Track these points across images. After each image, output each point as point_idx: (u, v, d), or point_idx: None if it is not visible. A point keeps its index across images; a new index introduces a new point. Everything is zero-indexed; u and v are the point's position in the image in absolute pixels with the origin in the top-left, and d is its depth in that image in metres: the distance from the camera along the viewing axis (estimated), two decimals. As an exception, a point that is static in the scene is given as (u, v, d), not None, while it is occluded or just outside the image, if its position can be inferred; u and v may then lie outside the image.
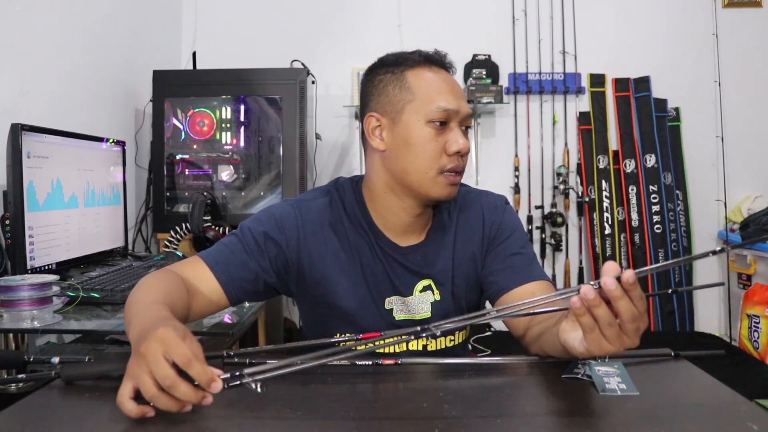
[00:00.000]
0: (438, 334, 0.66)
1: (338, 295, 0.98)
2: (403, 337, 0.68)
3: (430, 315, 1.00)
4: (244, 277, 0.95)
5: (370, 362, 0.79)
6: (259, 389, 0.61)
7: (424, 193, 0.95)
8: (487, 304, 1.07)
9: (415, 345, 1.00)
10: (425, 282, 1.01)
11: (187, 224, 2.00)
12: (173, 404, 0.61)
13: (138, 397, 0.61)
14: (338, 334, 0.99)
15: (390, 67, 0.97)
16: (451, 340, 1.03)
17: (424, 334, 0.66)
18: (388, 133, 0.96)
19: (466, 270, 1.02)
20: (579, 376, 0.73)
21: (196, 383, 0.61)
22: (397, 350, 0.99)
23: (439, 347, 1.02)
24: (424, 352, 1.01)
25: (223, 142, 2.42)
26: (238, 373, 0.62)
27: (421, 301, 1.00)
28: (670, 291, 0.74)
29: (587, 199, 3.06)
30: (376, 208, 1.00)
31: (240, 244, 0.97)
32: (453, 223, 1.03)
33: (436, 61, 0.98)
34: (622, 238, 3.04)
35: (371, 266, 0.99)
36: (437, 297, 1.01)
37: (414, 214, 0.99)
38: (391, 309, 1.00)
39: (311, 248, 0.98)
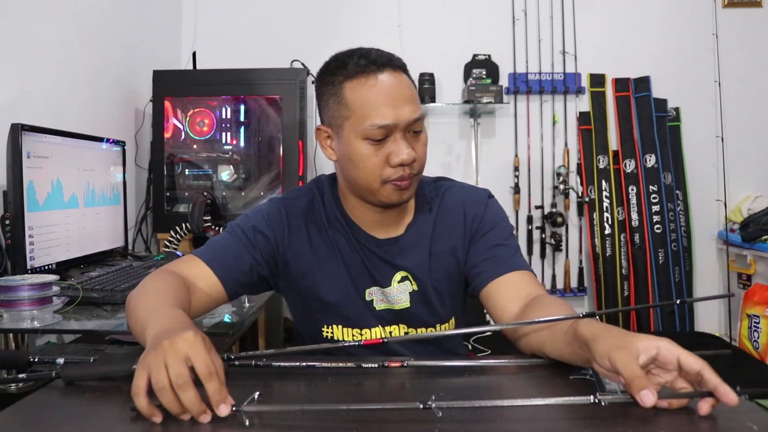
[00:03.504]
0: (440, 415, 0.62)
1: (321, 287, 1.02)
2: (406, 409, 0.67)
3: (409, 305, 1.02)
4: (239, 269, 0.98)
5: (377, 365, 0.79)
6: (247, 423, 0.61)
7: (374, 200, 0.97)
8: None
9: (396, 333, 1.03)
10: (402, 273, 1.02)
11: (187, 224, 2.00)
12: (176, 405, 0.61)
13: (150, 394, 0.61)
14: (326, 326, 1.03)
15: (330, 78, 0.95)
16: (431, 330, 1.05)
17: (431, 403, 0.61)
18: (336, 144, 0.97)
19: (447, 264, 1.03)
20: (587, 377, 0.74)
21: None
22: (383, 336, 1.01)
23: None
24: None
25: (223, 142, 2.42)
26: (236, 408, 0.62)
27: (399, 291, 1.02)
28: (678, 302, 0.83)
29: (587, 199, 3.06)
30: (348, 205, 1.03)
31: (232, 238, 1.00)
32: (432, 218, 1.04)
33: (376, 63, 0.92)
34: (622, 238, 3.04)
35: (351, 258, 1.02)
36: (415, 287, 1.02)
37: (379, 212, 1.01)
38: (372, 299, 1.02)
39: (295, 243, 1.02)
